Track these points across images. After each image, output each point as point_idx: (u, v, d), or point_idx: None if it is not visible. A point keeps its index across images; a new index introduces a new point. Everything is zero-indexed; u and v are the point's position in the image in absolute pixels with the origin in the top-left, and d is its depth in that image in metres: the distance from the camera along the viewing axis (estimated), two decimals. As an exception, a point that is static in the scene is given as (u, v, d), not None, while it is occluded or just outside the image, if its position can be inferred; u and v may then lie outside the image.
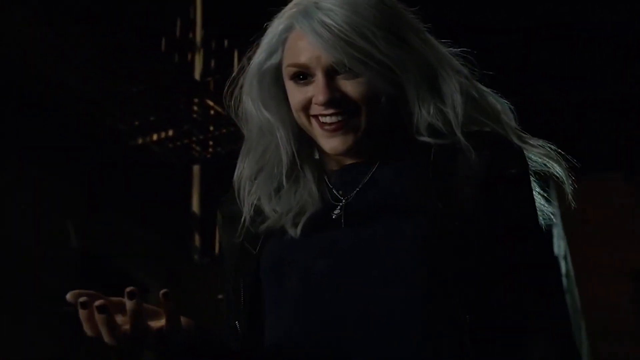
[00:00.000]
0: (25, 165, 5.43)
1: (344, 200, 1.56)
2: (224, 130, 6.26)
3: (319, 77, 1.52)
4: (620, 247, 7.04)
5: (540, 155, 1.58)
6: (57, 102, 5.76)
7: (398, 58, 1.51)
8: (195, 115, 6.34)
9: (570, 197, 1.61)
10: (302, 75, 1.53)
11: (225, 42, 6.27)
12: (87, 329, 1.37)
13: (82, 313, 1.36)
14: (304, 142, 1.60)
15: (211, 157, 6.69)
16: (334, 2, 1.51)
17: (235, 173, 1.63)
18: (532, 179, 1.57)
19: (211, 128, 6.41)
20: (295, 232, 1.54)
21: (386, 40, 1.50)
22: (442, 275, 1.45)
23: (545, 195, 1.60)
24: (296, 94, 1.55)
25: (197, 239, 6.93)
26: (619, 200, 7.24)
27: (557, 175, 1.59)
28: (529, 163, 1.57)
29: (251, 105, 1.59)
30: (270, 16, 1.59)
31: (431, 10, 1.63)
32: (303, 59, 1.52)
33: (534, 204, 1.55)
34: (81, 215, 5.71)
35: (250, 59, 1.60)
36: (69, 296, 1.35)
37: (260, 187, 1.60)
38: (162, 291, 1.36)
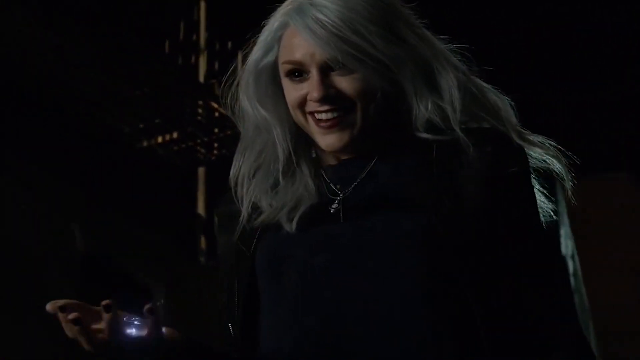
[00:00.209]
0: (30, 167, 5.43)
1: (341, 195, 1.56)
2: (229, 132, 6.25)
3: (314, 74, 1.52)
4: (626, 247, 7.02)
5: (539, 152, 1.57)
6: (63, 105, 5.77)
7: (393, 54, 1.51)
8: (199, 118, 6.33)
9: (570, 193, 1.60)
10: (297, 72, 1.54)
11: (229, 44, 6.28)
12: (67, 332, 1.42)
13: (61, 316, 1.40)
14: (301, 139, 1.60)
15: (216, 159, 6.68)
16: None
17: (232, 171, 1.63)
18: (532, 176, 1.56)
19: (216, 130, 6.40)
20: (290, 226, 1.54)
21: (380, 36, 1.50)
22: (442, 272, 1.45)
23: (545, 192, 1.59)
24: (292, 91, 1.55)
25: (202, 241, 6.93)
26: (625, 200, 7.22)
27: (557, 171, 1.58)
28: (529, 160, 1.56)
29: (247, 104, 1.60)
30: (269, 14, 1.60)
31: (432, 8, 1.63)
32: (297, 56, 1.52)
33: (535, 202, 1.55)
34: (86, 218, 5.71)
35: (246, 56, 1.60)
36: (48, 306, 1.40)
37: (257, 184, 1.60)
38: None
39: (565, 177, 1.58)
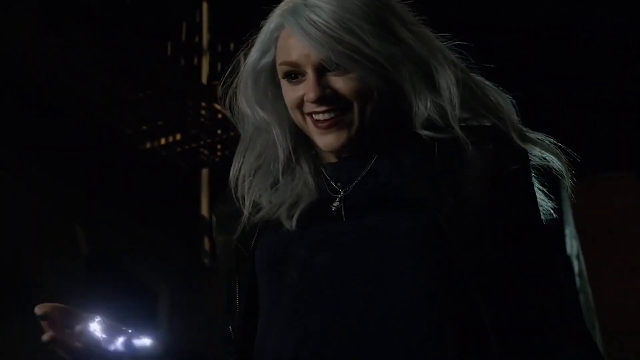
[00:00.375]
0: (33, 169, 5.44)
1: (342, 192, 1.55)
2: (232, 134, 6.25)
3: (310, 75, 1.52)
4: (630, 247, 7.02)
5: (540, 149, 1.56)
6: (66, 107, 5.77)
7: (389, 53, 1.50)
8: (202, 119, 6.34)
9: (570, 191, 1.60)
10: (294, 73, 1.54)
11: (232, 45, 6.28)
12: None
13: (42, 324, 1.44)
14: (300, 138, 1.60)
15: (219, 161, 6.68)
16: None
17: (232, 172, 1.63)
18: (532, 173, 1.55)
19: (219, 131, 6.41)
20: (290, 223, 1.53)
21: (375, 35, 1.50)
22: (444, 271, 1.44)
23: (544, 190, 1.58)
24: (289, 92, 1.55)
25: (206, 243, 6.93)
26: (630, 199, 7.22)
27: (557, 169, 1.57)
28: (530, 158, 1.55)
29: (246, 105, 1.60)
30: (268, 15, 1.60)
31: (433, 8, 1.63)
32: (293, 57, 1.52)
33: (536, 200, 1.54)
34: (90, 220, 5.71)
35: (245, 56, 1.60)
36: (37, 309, 1.43)
37: (257, 183, 1.60)
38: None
39: (565, 175, 1.58)
